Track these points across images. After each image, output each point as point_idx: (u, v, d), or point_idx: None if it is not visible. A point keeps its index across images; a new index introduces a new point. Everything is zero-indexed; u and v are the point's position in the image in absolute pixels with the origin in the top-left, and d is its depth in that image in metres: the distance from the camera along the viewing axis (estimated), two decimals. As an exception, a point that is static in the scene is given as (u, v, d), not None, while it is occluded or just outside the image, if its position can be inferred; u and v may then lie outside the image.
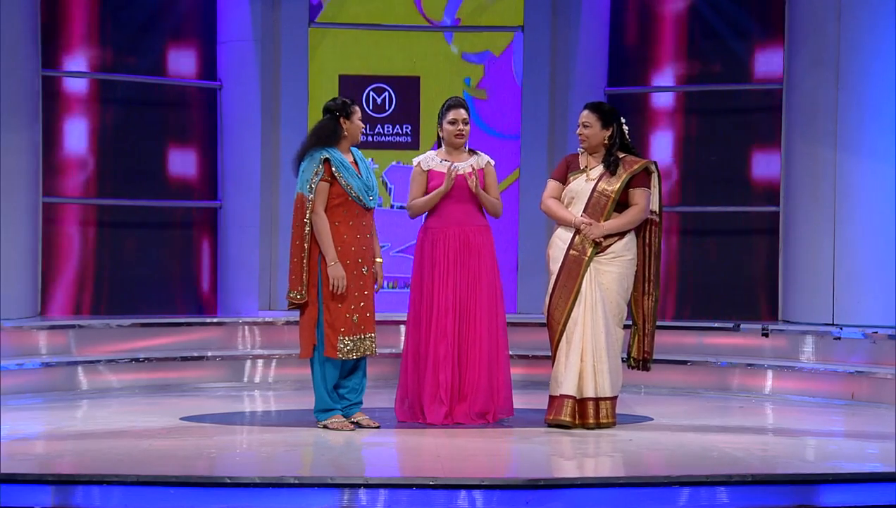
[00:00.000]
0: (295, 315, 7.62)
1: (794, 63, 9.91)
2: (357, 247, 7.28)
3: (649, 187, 7.50)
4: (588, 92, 10.22)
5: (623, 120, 7.56)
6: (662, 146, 10.64)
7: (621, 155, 7.49)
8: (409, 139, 10.49)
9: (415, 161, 7.69)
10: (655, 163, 7.57)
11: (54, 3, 9.95)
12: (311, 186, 7.19)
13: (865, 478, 6.03)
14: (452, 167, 7.54)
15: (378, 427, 7.35)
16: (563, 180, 7.58)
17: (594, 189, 7.46)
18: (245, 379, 9.52)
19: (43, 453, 6.66)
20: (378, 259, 7.42)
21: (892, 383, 8.59)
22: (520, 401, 7.85)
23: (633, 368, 7.65)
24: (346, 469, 6.42)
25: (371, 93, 10.48)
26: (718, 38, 10.47)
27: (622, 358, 7.56)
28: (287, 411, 8.32)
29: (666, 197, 10.04)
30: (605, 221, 7.42)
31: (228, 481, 5.73)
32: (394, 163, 10.50)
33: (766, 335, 9.50)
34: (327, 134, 7.30)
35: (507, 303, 10.08)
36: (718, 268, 10.50)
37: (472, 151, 7.71)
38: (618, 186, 7.42)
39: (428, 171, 7.62)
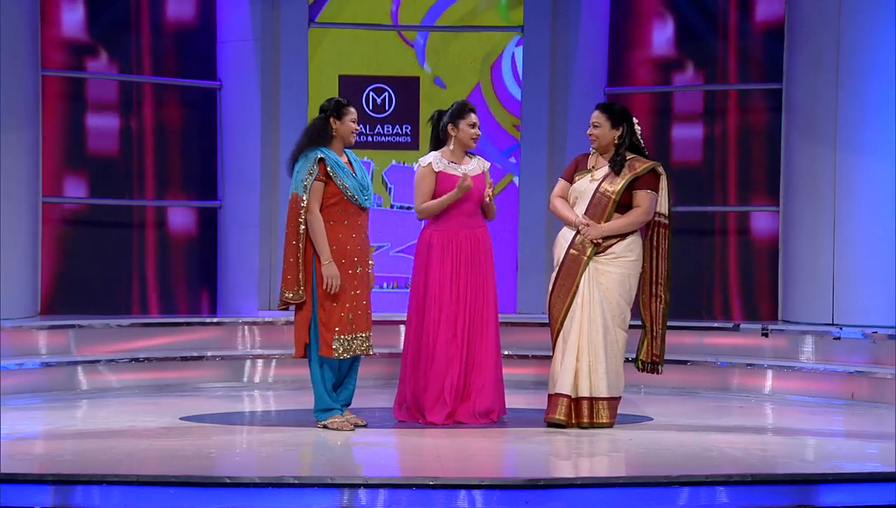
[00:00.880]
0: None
1: (794, 63, 9.91)
2: (352, 246, 7.27)
3: (656, 190, 7.45)
4: (588, 92, 10.22)
5: (635, 120, 7.52)
6: (662, 146, 10.63)
7: (629, 156, 7.45)
8: (408, 139, 10.48)
9: (423, 162, 7.62)
10: (662, 165, 7.54)
11: (55, 3, 9.96)
12: (305, 185, 7.18)
13: (865, 478, 6.03)
14: (464, 173, 7.52)
15: (366, 425, 7.34)
16: (571, 180, 7.57)
17: (596, 190, 7.44)
18: (245, 379, 9.51)
19: (43, 453, 6.66)
20: (370, 261, 7.42)
21: (892, 383, 8.59)
22: (520, 401, 7.86)
23: (642, 370, 7.62)
24: (346, 468, 6.43)
25: (371, 93, 10.47)
26: (718, 37, 10.47)
27: (629, 359, 7.55)
28: (286, 411, 8.31)
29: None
30: (605, 221, 7.41)
31: (228, 481, 5.74)
32: (393, 163, 10.49)
33: (766, 335, 9.50)
34: (317, 133, 7.29)
35: (507, 303, 10.15)
36: (718, 268, 10.50)
37: (470, 155, 7.72)
38: (619, 187, 7.39)
39: (438, 172, 7.59)
